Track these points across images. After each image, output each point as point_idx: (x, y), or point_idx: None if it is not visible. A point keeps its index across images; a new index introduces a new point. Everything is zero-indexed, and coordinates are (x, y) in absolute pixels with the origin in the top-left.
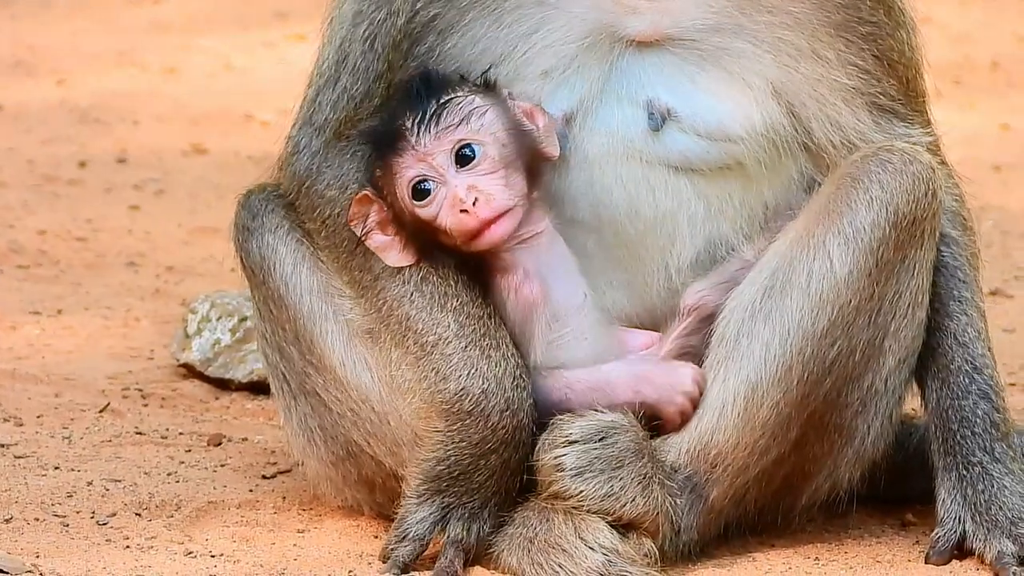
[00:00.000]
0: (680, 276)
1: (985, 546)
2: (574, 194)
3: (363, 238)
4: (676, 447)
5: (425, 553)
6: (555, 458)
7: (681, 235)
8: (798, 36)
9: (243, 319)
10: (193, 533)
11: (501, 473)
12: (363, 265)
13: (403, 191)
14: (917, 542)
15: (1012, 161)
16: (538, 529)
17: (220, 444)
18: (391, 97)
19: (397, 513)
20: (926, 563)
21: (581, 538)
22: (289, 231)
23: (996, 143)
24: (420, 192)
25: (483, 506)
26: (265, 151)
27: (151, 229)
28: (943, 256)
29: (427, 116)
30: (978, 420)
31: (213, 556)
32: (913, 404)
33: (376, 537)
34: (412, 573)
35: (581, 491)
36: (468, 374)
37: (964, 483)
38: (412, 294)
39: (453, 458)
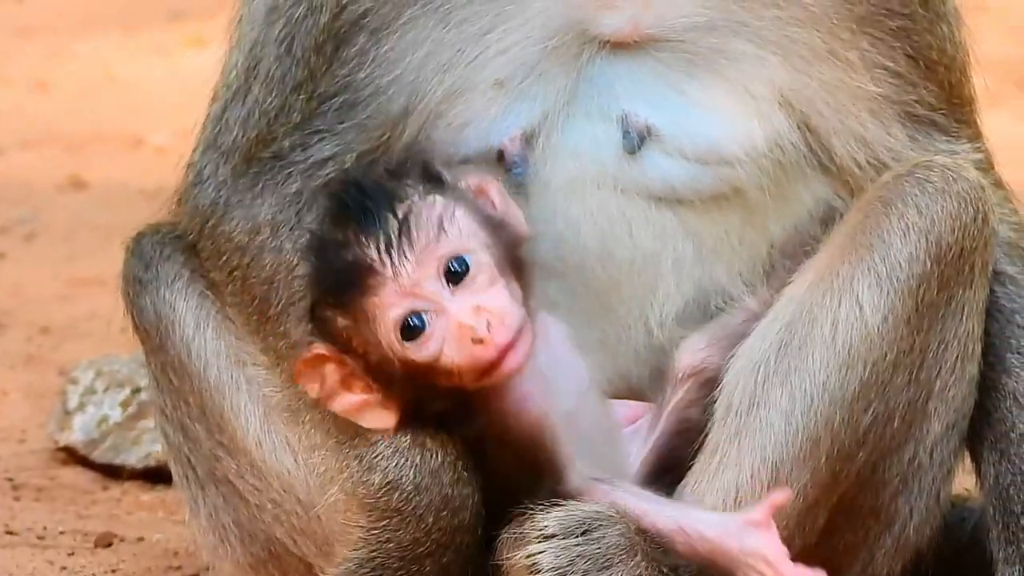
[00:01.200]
0: (664, 332)
1: None
2: (532, 231)
3: (324, 403)
4: None
5: None
6: (528, 556)
7: (665, 282)
8: (811, 34)
9: (136, 390)
10: None
11: None
12: (277, 329)
13: (389, 335)
14: None
15: None
16: None
17: (111, 545)
18: (320, 227)
19: None
20: None
21: None
22: (190, 282)
23: None
24: (411, 331)
25: None
26: (160, 183)
27: (20, 281)
28: (998, 298)
29: (394, 238)
30: None
31: None
32: (967, 482)
33: None
34: None
35: None
36: (397, 465)
37: None
38: None
39: (378, 560)
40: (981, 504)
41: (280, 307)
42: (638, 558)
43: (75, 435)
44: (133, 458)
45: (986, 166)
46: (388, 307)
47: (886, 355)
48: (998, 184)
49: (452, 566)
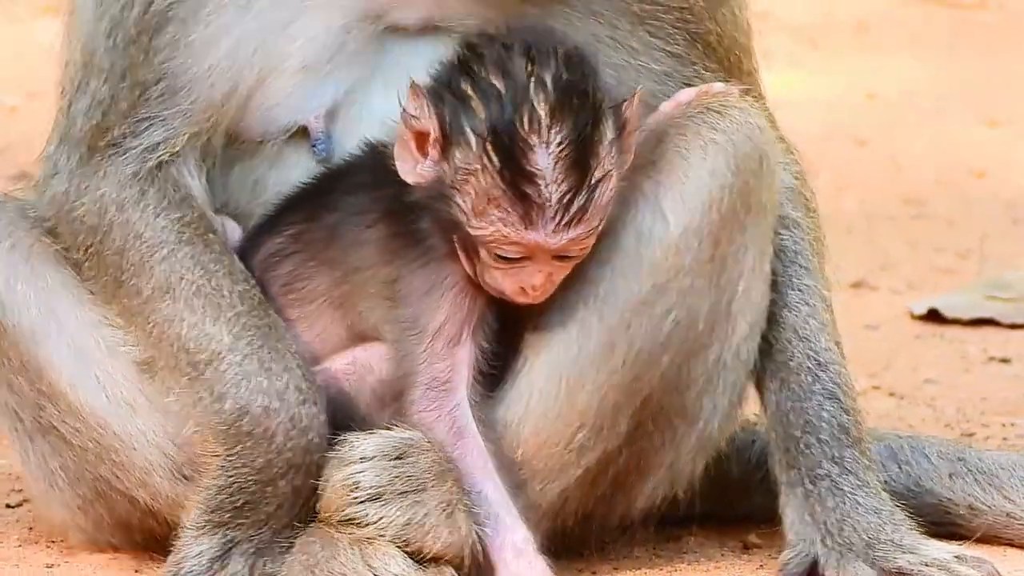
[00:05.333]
0: None
1: (839, 572)
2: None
3: (404, 123)
4: None
5: None
6: (348, 476)
7: None
8: (593, 25)
9: None
10: None
11: (292, 501)
12: (131, 291)
13: (493, 239)
14: (762, 566)
15: (878, 134)
16: (320, 556)
17: None
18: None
19: (160, 551)
20: None
21: (369, 565)
22: None
23: (860, 114)
24: (503, 259)
25: (272, 540)
26: (9, 140)
27: None
28: (783, 240)
29: (575, 207)
30: (823, 424)
31: None
32: (756, 409)
33: (137, 572)
34: None
35: (381, 517)
36: (247, 391)
37: (811, 499)
38: (182, 312)
39: (236, 485)
40: (766, 429)
41: (132, 270)
42: (449, 483)
43: None
44: None
45: (768, 124)
46: (516, 234)
47: (686, 262)
48: (781, 139)
49: (303, 488)
